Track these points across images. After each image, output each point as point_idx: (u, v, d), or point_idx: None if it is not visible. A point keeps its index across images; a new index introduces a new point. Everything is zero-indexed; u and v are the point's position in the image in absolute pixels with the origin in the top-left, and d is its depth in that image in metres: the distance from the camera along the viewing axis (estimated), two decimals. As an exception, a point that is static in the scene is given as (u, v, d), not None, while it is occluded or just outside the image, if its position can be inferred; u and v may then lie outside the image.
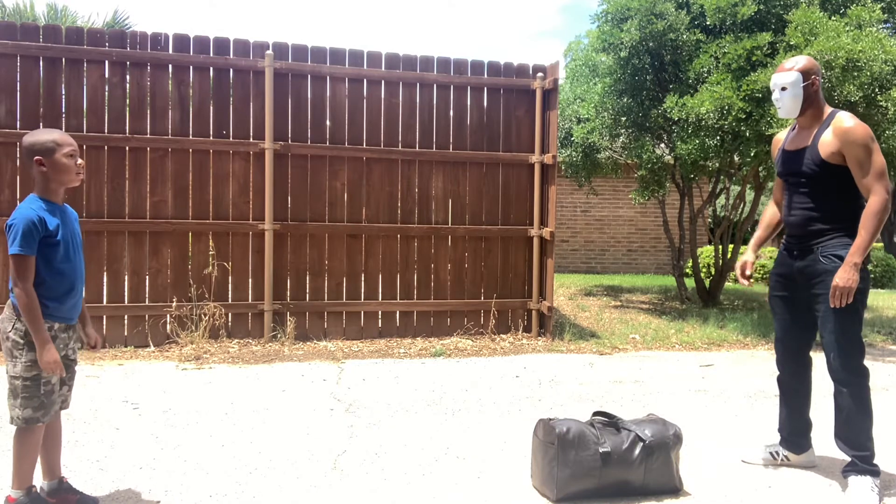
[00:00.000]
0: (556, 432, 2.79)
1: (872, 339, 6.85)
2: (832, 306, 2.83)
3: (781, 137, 3.24)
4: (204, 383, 4.62)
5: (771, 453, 3.27)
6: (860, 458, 2.90)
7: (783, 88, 2.98)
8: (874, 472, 2.89)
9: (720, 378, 5.10)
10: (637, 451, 2.82)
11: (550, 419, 2.91)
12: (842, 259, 2.85)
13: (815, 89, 2.97)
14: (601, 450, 2.78)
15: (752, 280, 3.26)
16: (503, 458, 3.32)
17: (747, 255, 3.31)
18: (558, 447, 2.78)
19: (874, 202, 2.80)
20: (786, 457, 3.25)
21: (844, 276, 2.79)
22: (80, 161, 2.55)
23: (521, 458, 3.30)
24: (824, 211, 2.94)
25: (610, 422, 2.96)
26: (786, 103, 2.99)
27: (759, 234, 3.37)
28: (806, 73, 2.95)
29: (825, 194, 2.94)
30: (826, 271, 2.88)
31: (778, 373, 3.27)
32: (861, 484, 2.85)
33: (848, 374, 2.90)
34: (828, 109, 3.01)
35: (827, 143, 2.89)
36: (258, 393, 4.40)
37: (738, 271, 3.29)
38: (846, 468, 2.96)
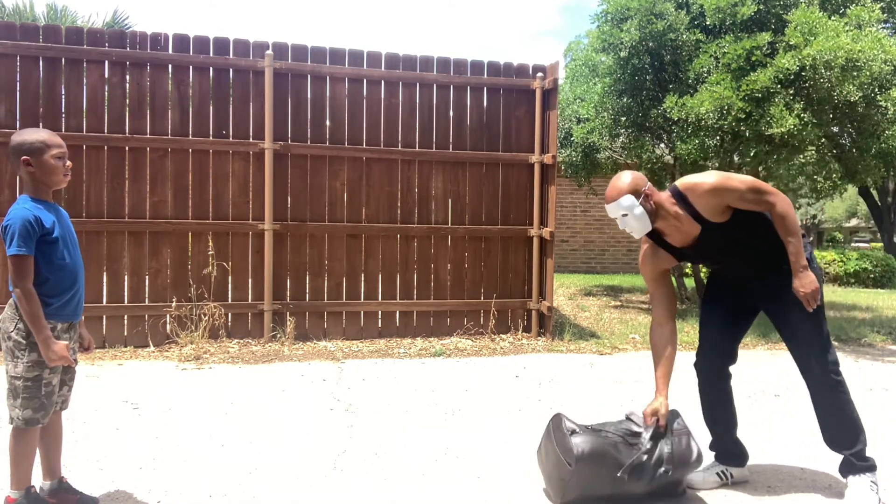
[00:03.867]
0: (575, 454, 2.66)
1: (872, 339, 6.86)
2: (809, 311, 2.75)
3: (650, 245, 2.99)
4: (204, 383, 4.62)
5: (718, 474, 3.07)
6: (855, 455, 2.86)
7: (624, 215, 2.78)
8: (870, 466, 2.86)
9: (720, 378, 5.10)
10: (657, 472, 2.71)
11: (569, 432, 2.75)
12: (788, 266, 2.77)
13: (653, 199, 2.77)
14: (621, 475, 2.67)
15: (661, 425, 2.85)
16: (503, 458, 3.32)
17: (659, 401, 2.89)
18: (576, 469, 2.66)
19: (779, 209, 2.71)
20: (731, 474, 3.08)
21: (804, 282, 2.71)
22: (68, 163, 2.53)
23: (520, 458, 3.30)
24: (760, 249, 2.85)
25: (633, 435, 2.79)
26: (634, 225, 2.77)
27: (662, 370, 3.00)
28: (636, 192, 2.75)
29: (751, 242, 2.84)
30: (786, 285, 2.78)
31: (704, 380, 3.11)
32: (860, 485, 2.82)
33: (830, 373, 2.83)
34: (667, 196, 2.81)
35: (708, 212, 2.75)
36: (258, 393, 4.40)
37: (648, 419, 2.85)
38: (843, 467, 2.92)
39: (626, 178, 2.80)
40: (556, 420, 2.87)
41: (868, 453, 2.88)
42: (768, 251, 2.85)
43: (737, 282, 3.02)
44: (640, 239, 3.04)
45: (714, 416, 3.12)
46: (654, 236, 2.96)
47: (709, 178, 2.74)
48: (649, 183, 2.83)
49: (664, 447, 2.76)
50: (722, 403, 3.11)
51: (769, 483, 3.07)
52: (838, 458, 3.01)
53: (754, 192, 2.72)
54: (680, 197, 2.78)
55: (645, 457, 2.72)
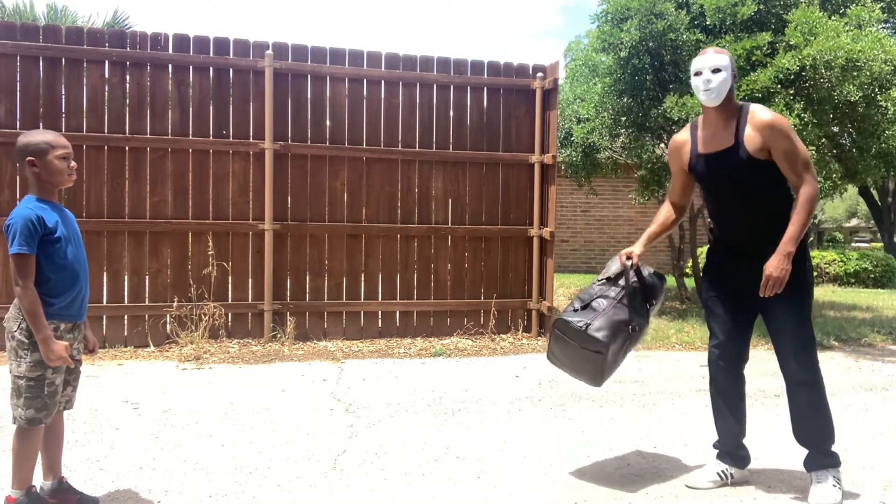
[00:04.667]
0: (603, 342, 2.89)
1: (872, 339, 6.85)
2: (761, 295, 2.75)
3: (685, 138, 3.04)
4: (204, 383, 4.62)
5: (719, 474, 3.03)
6: (823, 451, 2.87)
7: (716, 70, 2.78)
8: (835, 463, 2.87)
9: (720, 378, 5.10)
10: (647, 308, 3.08)
11: (584, 326, 2.92)
12: (793, 256, 2.75)
13: (734, 80, 2.86)
14: (632, 328, 2.97)
15: (632, 262, 3.09)
16: (503, 458, 3.32)
17: (636, 247, 3.12)
18: (608, 353, 2.90)
19: (807, 191, 2.73)
20: (731, 474, 3.04)
21: (778, 266, 2.70)
22: (72, 164, 2.55)
23: (521, 458, 3.31)
24: (763, 213, 2.84)
25: (615, 297, 3.04)
26: (717, 86, 2.77)
27: (652, 229, 3.19)
28: (732, 60, 2.85)
29: (760, 195, 2.83)
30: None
31: (714, 381, 3.07)
32: (824, 479, 2.84)
33: (808, 372, 2.84)
34: (738, 103, 2.89)
35: (751, 138, 2.77)
36: (258, 393, 4.40)
37: (622, 257, 3.10)
38: (808, 462, 2.92)
39: (721, 49, 2.91)
40: (562, 323, 3.00)
41: (834, 449, 2.90)
42: (769, 221, 2.83)
43: (732, 260, 2.98)
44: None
45: (723, 418, 3.08)
46: (694, 133, 3.01)
47: (775, 114, 2.78)
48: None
49: (641, 284, 3.07)
50: (733, 407, 3.07)
51: (769, 483, 3.07)
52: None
53: (802, 159, 2.76)
54: (742, 110, 2.84)
55: (635, 299, 3.02)
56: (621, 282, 3.07)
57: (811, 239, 40.25)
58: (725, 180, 2.90)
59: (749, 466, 3.12)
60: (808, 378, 2.85)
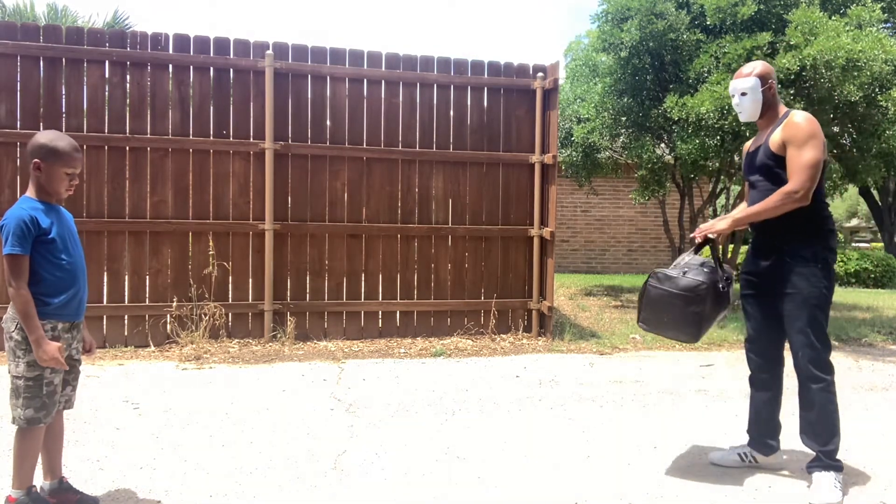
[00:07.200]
0: (704, 281, 2.97)
1: (872, 339, 6.85)
2: (691, 236, 2.98)
3: (749, 142, 3.31)
4: (204, 383, 4.62)
5: (739, 455, 3.26)
6: (825, 453, 2.93)
7: (743, 94, 3.07)
8: (837, 467, 2.93)
9: (720, 378, 5.10)
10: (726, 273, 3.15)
11: (681, 273, 3.01)
12: (805, 259, 2.91)
13: (772, 93, 3.07)
14: (722, 287, 3.04)
15: (713, 239, 3.17)
16: (503, 458, 3.32)
17: (722, 218, 3.20)
18: (707, 298, 2.99)
19: (788, 187, 2.86)
20: (753, 458, 3.25)
21: (708, 224, 3.04)
22: (75, 180, 2.56)
23: (521, 458, 3.31)
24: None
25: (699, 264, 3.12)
26: (746, 107, 3.08)
27: (742, 207, 3.37)
28: (763, 78, 3.05)
29: (768, 192, 2.99)
30: (791, 271, 2.94)
31: (750, 374, 3.29)
32: (825, 480, 2.89)
33: (815, 371, 2.94)
34: (783, 109, 3.09)
35: (776, 136, 2.97)
36: (258, 393, 4.40)
37: (699, 234, 3.16)
38: (811, 464, 3.00)
39: (761, 64, 3.11)
40: (658, 275, 3.06)
41: (838, 456, 2.96)
42: (785, 221, 2.95)
43: (754, 259, 3.16)
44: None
45: (752, 408, 3.28)
46: (755, 137, 3.22)
47: (806, 118, 2.92)
48: (776, 81, 3.14)
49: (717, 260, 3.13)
50: (759, 400, 3.24)
51: (770, 482, 3.07)
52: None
53: (803, 161, 2.85)
54: (785, 115, 3.02)
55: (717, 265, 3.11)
56: (700, 254, 3.17)
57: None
58: (754, 174, 3.10)
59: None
60: (814, 375, 2.94)
